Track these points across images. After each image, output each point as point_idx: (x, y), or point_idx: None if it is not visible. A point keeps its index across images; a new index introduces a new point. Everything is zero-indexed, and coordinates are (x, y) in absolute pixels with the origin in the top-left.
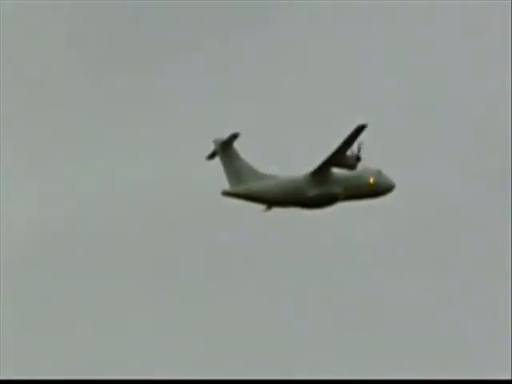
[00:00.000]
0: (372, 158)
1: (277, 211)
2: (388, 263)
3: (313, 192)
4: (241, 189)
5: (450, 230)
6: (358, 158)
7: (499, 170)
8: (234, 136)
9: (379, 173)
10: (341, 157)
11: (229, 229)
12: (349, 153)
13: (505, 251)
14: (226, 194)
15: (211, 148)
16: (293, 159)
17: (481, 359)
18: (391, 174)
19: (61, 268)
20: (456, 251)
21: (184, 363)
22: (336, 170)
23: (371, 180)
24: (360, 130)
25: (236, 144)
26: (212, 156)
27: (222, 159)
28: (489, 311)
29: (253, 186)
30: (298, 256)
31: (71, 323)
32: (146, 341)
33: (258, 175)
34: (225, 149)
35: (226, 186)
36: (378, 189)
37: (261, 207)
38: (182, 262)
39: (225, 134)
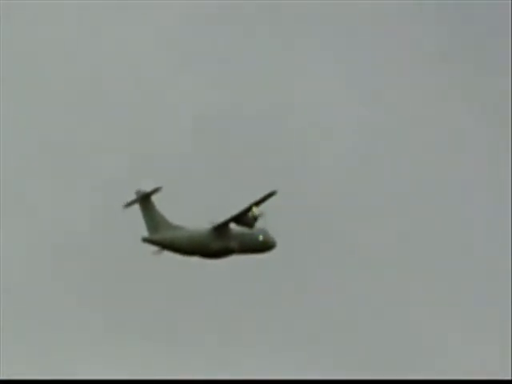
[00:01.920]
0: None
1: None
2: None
3: (215, 245)
4: (158, 237)
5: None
6: (255, 219)
7: None
8: (156, 190)
9: (265, 232)
10: (245, 216)
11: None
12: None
13: (505, 251)
14: (146, 240)
15: (131, 197)
16: (196, 213)
17: (481, 359)
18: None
19: None
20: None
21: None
22: (233, 227)
23: (261, 238)
24: (270, 195)
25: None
26: (129, 205)
27: (142, 209)
28: (489, 311)
29: (167, 235)
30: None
31: (71, 323)
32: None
33: (170, 226)
34: (145, 200)
35: (145, 233)
36: (265, 245)
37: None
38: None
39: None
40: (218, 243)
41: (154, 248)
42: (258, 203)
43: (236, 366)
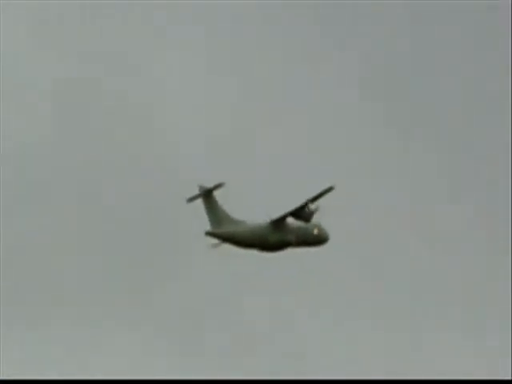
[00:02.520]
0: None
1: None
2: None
3: (273, 238)
4: (220, 231)
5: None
6: (311, 214)
7: None
8: (219, 185)
9: (320, 226)
10: (302, 211)
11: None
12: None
13: (505, 250)
14: (208, 233)
15: (195, 192)
16: (257, 207)
17: (481, 358)
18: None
19: None
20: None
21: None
22: (290, 221)
23: (316, 231)
24: (328, 190)
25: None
26: (192, 199)
27: (205, 204)
28: (489, 311)
29: (229, 229)
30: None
31: (70, 323)
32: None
33: (231, 220)
34: (208, 195)
35: (208, 226)
36: (319, 239)
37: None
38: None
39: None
40: (276, 236)
41: (213, 241)
42: (314, 198)
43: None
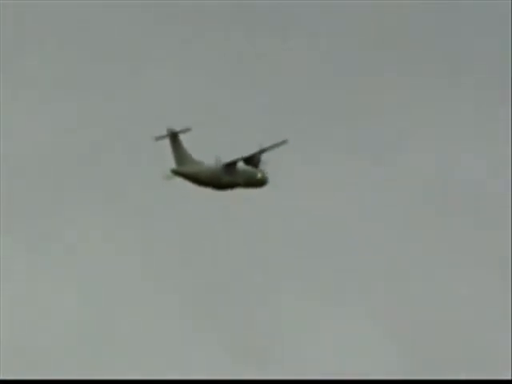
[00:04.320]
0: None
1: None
2: None
3: (225, 179)
4: (183, 170)
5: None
6: (260, 161)
7: None
8: (186, 130)
9: (262, 171)
10: (254, 157)
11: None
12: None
13: (505, 250)
14: (173, 171)
15: (163, 133)
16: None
17: (481, 359)
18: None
19: None
20: None
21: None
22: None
23: (259, 175)
24: (281, 144)
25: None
26: (159, 139)
27: (171, 145)
28: (489, 311)
29: (191, 169)
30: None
31: (70, 322)
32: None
33: (193, 161)
34: (174, 137)
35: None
36: (261, 182)
37: (165, 175)
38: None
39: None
40: (228, 178)
41: (165, 173)
42: (266, 149)
43: None
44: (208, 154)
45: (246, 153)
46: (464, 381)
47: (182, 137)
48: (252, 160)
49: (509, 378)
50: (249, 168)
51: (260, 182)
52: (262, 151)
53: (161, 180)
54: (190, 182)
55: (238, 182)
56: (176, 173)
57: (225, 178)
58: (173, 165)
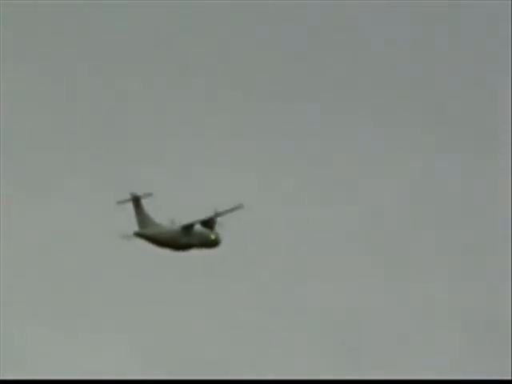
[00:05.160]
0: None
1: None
2: None
3: (183, 241)
4: (145, 232)
5: None
6: (215, 224)
7: None
8: (148, 195)
9: (215, 233)
10: (210, 220)
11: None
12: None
13: (505, 250)
14: (136, 233)
15: (125, 197)
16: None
17: (481, 359)
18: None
19: None
20: None
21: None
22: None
23: (213, 237)
24: (236, 208)
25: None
26: (122, 203)
27: (134, 208)
28: (489, 311)
29: (152, 231)
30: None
31: (70, 322)
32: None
33: (154, 223)
34: (138, 202)
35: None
36: (214, 243)
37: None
38: None
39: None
40: (186, 239)
41: (124, 234)
42: (222, 213)
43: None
44: (168, 216)
45: (203, 216)
46: (464, 381)
47: (143, 201)
48: (208, 222)
49: (509, 378)
50: (204, 230)
51: (213, 243)
52: (218, 215)
53: (119, 240)
54: (153, 244)
55: (194, 243)
56: (139, 234)
57: (182, 239)
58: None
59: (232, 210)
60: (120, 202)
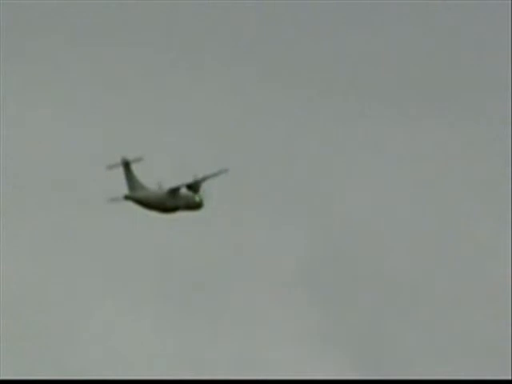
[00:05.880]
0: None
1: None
2: None
3: (170, 204)
4: (134, 195)
5: None
6: (200, 187)
7: None
8: (138, 159)
9: (200, 196)
10: (196, 184)
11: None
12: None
13: (505, 250)
14: (126, 197)
15: (116, 162)
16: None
17: (481, 359)
18: None
19: None
20: None
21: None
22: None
23: (197, 199)
24: (221, 172)
25: None
26: (112, 167)
27: (125, 173)
28: (489, 310)
29: (141, 194)
30: None
31: (71, 322)
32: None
33: (143, 187)
34: (127, 166)
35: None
36: (198, 205)
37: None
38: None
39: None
40: (172, 202)
41: (113, 196)
42: (207, 177)
43: None
44: (156, 180)
45: (189, 180)
46: (464, 381)
47: (134, 166)
48: (193, 186)
49: (509, 378)
50: (189, 193)
51: (198, 205)
52: (204, 179)
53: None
54: (141, 207)
55: (180, 206)
56: (128, 198)
57: (169, 202)
58: (126, 191)
59: (216, 174)
60: (110, 167)
